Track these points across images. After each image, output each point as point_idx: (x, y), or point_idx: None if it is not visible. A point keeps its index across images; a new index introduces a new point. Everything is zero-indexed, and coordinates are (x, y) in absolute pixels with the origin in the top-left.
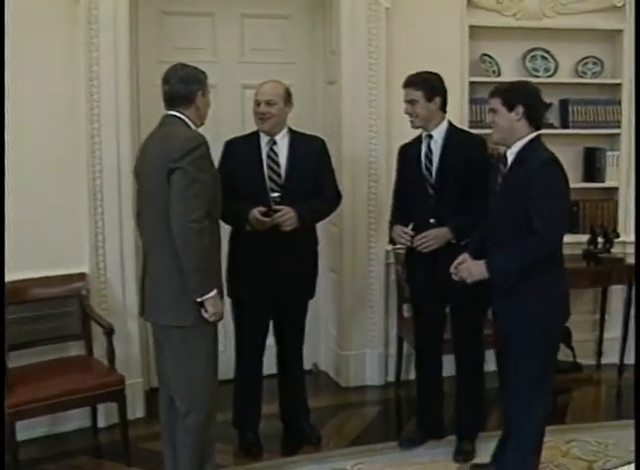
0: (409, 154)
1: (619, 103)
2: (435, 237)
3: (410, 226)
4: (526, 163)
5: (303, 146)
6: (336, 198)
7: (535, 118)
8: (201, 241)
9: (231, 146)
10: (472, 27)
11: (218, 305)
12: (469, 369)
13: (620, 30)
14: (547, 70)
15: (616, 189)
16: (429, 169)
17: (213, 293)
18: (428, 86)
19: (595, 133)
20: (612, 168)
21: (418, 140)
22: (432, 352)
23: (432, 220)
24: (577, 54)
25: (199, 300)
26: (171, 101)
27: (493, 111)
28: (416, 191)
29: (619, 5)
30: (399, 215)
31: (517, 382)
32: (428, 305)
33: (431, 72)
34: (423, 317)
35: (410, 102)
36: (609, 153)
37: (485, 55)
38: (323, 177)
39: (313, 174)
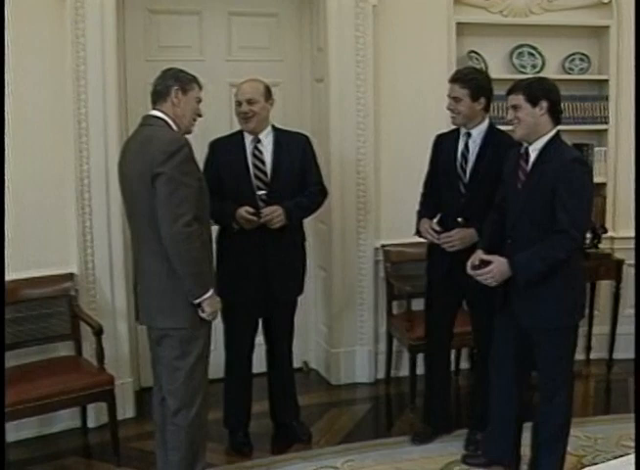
0: (445, 146)
1: (607, 99)
2: (461, 238)
3: (436, 219)
4: (553, 160)
5: (288, 143)
6: (322, 193)
7: (557, 114)
8: (191, 245)
9: (215, 146)
10: (459, 24)
11: (215, 305)
12: (486, 362)
13: (607, 27)
14: (534, 66)
15: (603, 185)
16: (463, 168)
17: (209, 293)
18: (475, 85)
19: (582, 129)
20: (599, 164)
21: (455, 133)
22: (441, 346)
23: (459, 219)
24: (564, 50)
25: (195, 302)
26: (152, 98)
27: (515, 107)
28: (448, 187)
29: (606, 1)
30: (428, 207)
31: (547, 376)
32: (443, 299)
33: (479, 70)
34: (435, 311)
35: (454, 98)
36: (596, 148)
37: (472, 52)
38: (308, 173)
39: (299, 171)
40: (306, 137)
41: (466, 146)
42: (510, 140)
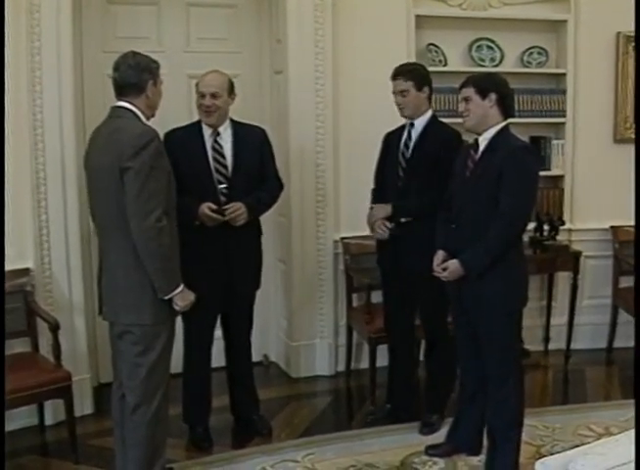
0: (392, 140)
1: (564, 92)
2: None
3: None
4: (501, 149)
5: (247, 136)
6: (279, 187)
7: (506, 107)
8: (162, 241)
9: (171, 137)
10: (418, 17)
11: (187, 298)
12: (439, 347)
13: (565, 21)
14: (493, 59)
15: (561, 177)
16: (404, 155)
17: (180, 288)
18: (417, 76)
19: (540, 122)
20: (557, 157)
21: (401, 128)
22: (402, 337)
23: (403, 220)
24: (523, 44)
25: (166, 297)
26: (121, 89)
27: (466, 99)
28: (390, 174)
29: None
30: (376, 200)
31: (492, 366)
32: (398, 290)
33: (417, 63)
34: (392, 303)
35: (401, 92)
36: (554, 141)
37: (432, 44)
38: (267, 167)
39: (258, 165)
40: (264, 130)
41: (409, 135)
42: (450, 130)
